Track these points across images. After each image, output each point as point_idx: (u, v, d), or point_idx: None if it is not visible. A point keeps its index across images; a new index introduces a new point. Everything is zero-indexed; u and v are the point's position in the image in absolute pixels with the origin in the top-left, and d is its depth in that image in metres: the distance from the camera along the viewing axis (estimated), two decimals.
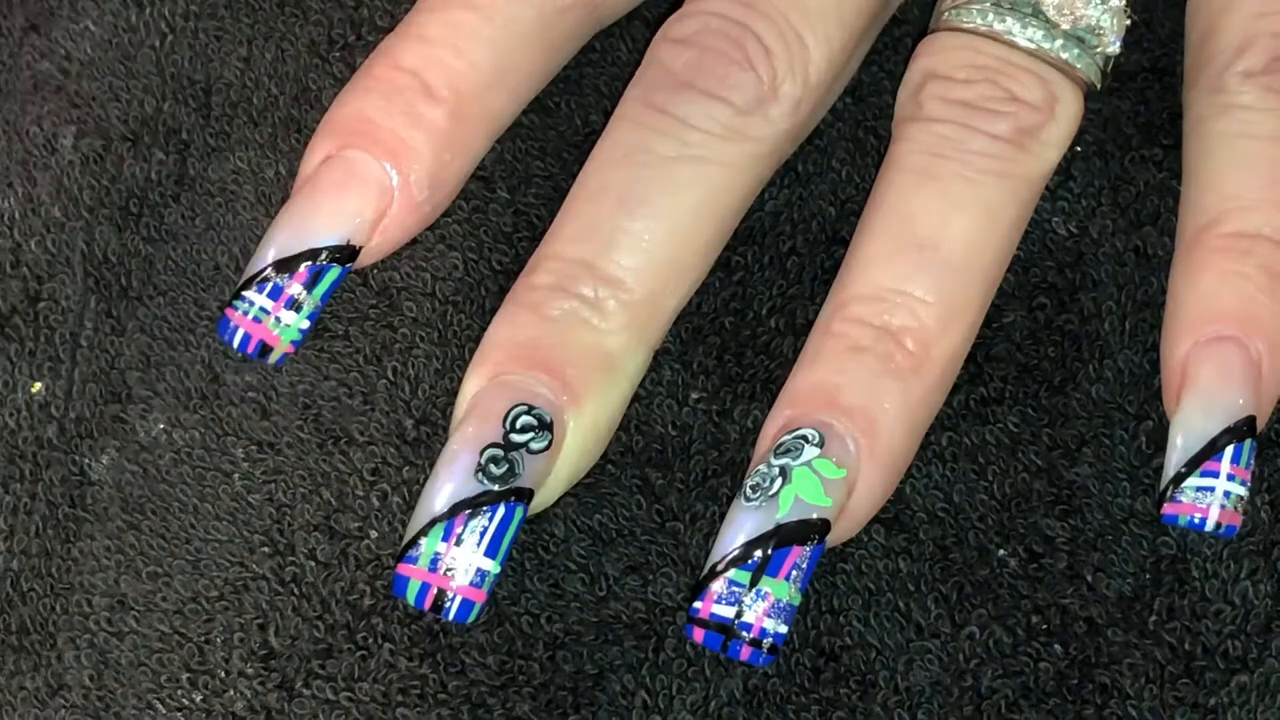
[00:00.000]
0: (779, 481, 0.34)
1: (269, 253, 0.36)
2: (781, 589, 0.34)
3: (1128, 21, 0.38)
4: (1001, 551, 0.37)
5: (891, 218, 0.36)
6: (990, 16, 0.37)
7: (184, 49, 0.40)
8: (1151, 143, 0.39)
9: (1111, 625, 0.36)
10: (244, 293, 0.36)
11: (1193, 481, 0.36)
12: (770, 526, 0.34)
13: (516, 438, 0.34)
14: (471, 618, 0.34)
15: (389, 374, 0.37)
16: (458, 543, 0.33)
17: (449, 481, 0.34)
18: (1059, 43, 0.37)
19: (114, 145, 0.39)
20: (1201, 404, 0.36)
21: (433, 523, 0.34)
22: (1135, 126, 0.40)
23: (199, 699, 0.35)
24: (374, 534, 0.36)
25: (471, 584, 0.33)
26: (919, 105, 0.37)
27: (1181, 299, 0.37)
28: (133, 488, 0.37)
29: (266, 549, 0.36)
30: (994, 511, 0.37)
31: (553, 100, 0.39)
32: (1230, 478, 0.36)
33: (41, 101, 0.40)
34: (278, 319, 0.36)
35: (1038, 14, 0.37)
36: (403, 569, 0.34)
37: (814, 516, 0.34)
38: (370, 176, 0.36)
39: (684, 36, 0.37)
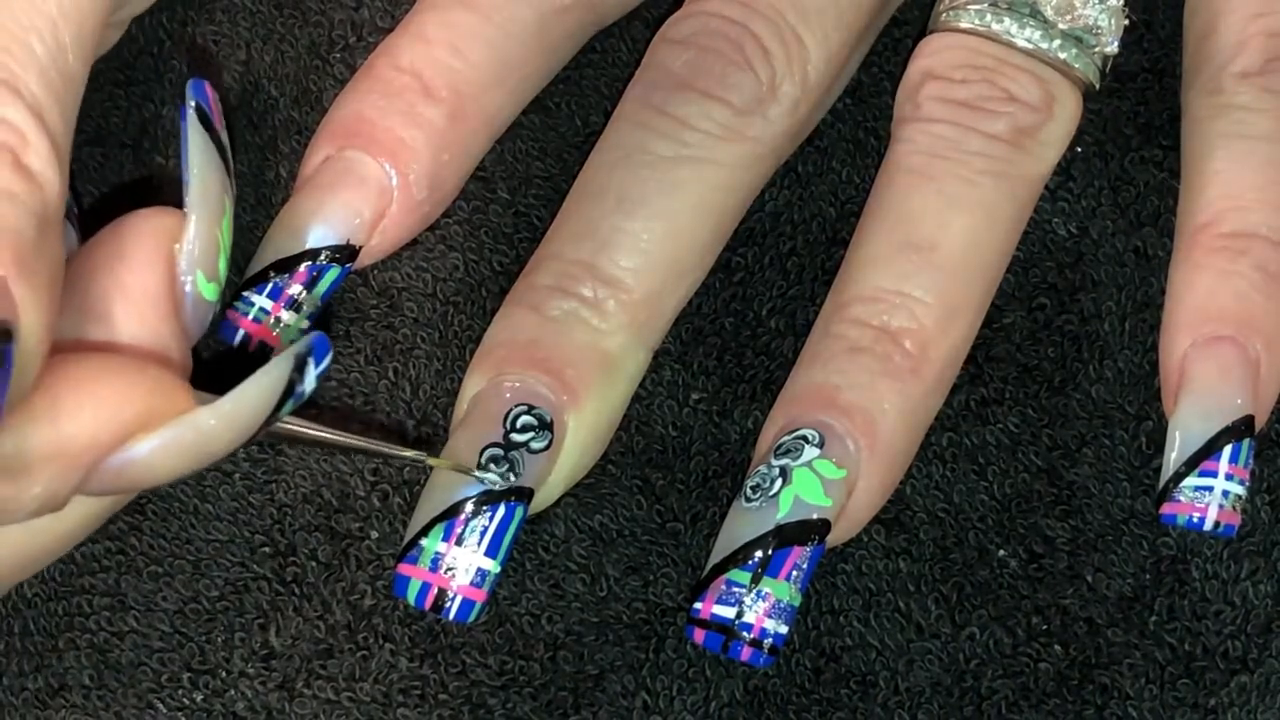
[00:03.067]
0: (779, 482, 0.35)
1: (268, 253, 0.36)
2: (782, 589, 0.34)
3: (1126, 21, 0.38)
4: (1002, 552, 0.37)
5: (890, 218, 0.36)
6: (988, 17, 0.37)
7: (182, 54, 0.40)
8: (1151, 143, 0.39)
9: (1112, 626, 0.36)
10: (244, 293, 0.36)
11: (1191, 481, 0.36)
12: (770, 527, 0.34)
13: (517, 437, 0.34)
14: (472, 618, 0.34)
15: (390, 374, 0.37)
16: (458, 542, 0.34)
17: (449, 481, 0.34)
18: (1057, 43, 0.37)
19: (114, 152, 0.39)
20: (1199, 404, 0.36)
21: (433, 523, 0.34)
22: (1135, 127, 0.40)
23: (200, 699, 0.35)
24: (374, 534, 0.36)
25: (472, 584, 0.33)
26: (917, 106, 0.37)
27: (1179, 299, 0.37)
28: None
29: (267, 549, 0.36)
30: (994, 512, 0.37)
31: (553, 101, 0.39)
32: (1229, 477, 0.36)
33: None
34: (278, 319, 0.36)
35: (1035, 14, 0.37)
36: (403, 569, 0.34)
37: (814, 517, 0.34)
38: (369, 176, 0.36)
39: (683, 37, 0.37)
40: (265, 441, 0.36)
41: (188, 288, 0.30)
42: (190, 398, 0.28)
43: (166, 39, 0.40)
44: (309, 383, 0.28)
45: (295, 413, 0.29)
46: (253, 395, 0.28)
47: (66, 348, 0.28)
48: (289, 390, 0.28)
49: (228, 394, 0.28)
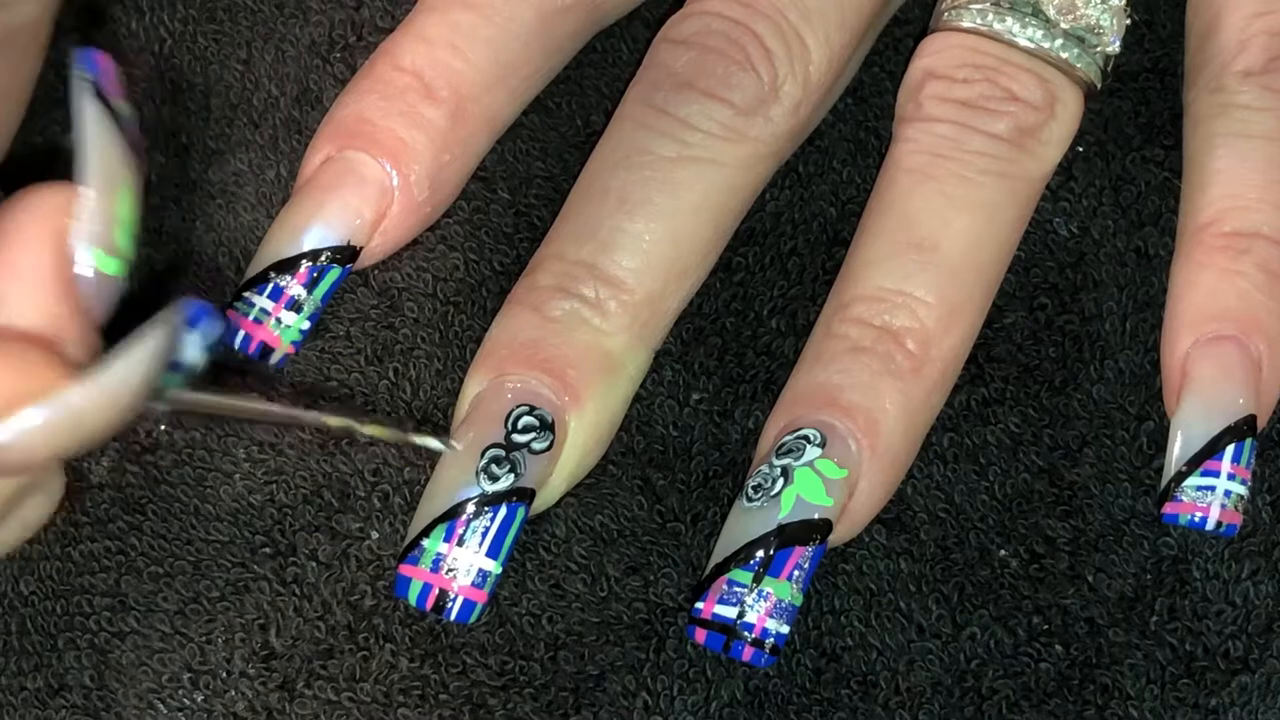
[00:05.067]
0: (781, 482, 0.35)
1: (269, 253, 0.36)
2: (783, 589, 0.34)
3: (1128, 21, 0.38)
4: (1003, 552, 0.37)
5: (891, 218, 0.36)
6: (990, 16, 0.37)
7: (183, 53, 0.40)
8: (1153, 143, 0.39)
9: (1113, 626, 0.36)
10: (245, 294, 0.36)
11: (1193, 481, 0.36)
12: (772, 527, 0.34)
13: (518, 438, 0.34)
14: (473, 618, 0.34)
15: (390, 375, 0.37)
16: (460, 543, 0.34)
17: (451, 482, 0.34)
18: (1059, 42, 0.37)
19: None
20: (1202, 403, 0.36)
21: (435, 523, 0.34)
22: (1136, 127, 0.40)
23: (200, 699, 0.35)
24: (375, 535, 0.36)
25: (473, 584, 0.33)
26: (919, 105, 0.37)
27: (1181, 298, 0.37)
28: (134, 489, 0.37)
29: (268, 550, 0.36)
30: (995, 512, 0.37)
31: (553, 101, 0.39)
32: (1231, 477, 0.36)
33: (45, 112, 0.40)
34: (278, 320, 0.36)
35: (1037, 13, 0.37)
36: (405, 569, 0.34)
37: (816, 517, 0.34)
38: (370, 177, 0.36)
39: (684, 37, 0.37)
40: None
41: (84, 265, 0.29)
42: (66, 376, 0.28)
43: (167, 38, 0.40)
44: (192, 353, 0.27)
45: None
46: (121, 370, 0.27)
47: None
48: (173, 362, 0.27)
49: (91, 369, 0.27)
